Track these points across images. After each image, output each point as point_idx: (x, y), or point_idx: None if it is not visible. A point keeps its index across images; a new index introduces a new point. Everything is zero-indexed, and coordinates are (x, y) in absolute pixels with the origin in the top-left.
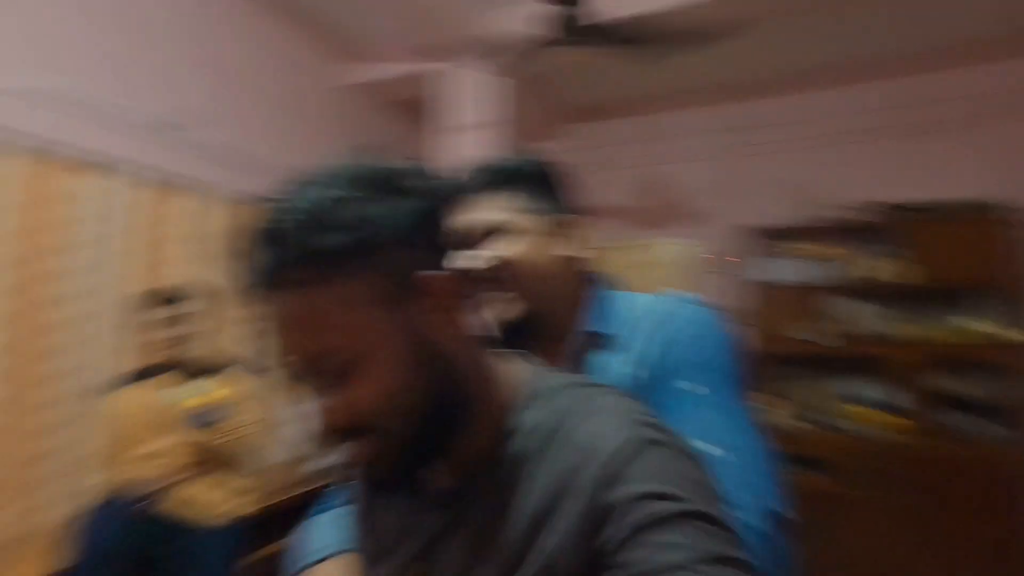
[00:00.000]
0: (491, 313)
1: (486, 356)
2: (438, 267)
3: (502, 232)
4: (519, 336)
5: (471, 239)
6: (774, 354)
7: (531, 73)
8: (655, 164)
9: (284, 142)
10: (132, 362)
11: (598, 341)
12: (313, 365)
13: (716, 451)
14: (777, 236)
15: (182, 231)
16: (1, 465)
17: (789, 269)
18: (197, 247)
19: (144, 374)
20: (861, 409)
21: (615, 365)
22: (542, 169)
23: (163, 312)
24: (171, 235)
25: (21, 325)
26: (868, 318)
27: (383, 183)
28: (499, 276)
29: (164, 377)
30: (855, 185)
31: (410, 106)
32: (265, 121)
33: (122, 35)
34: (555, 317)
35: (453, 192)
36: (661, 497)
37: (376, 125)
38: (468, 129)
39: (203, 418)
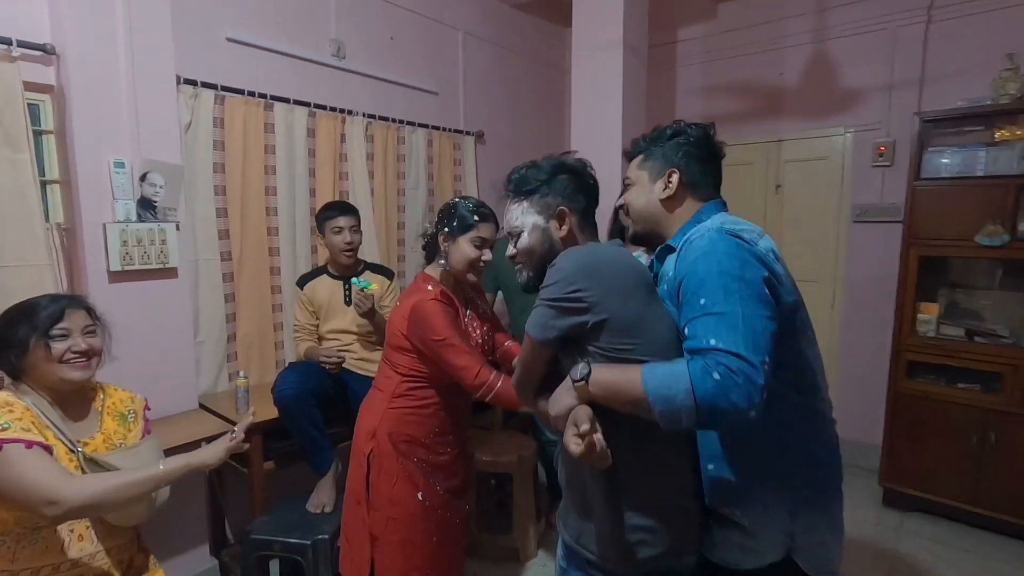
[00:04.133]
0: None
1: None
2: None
3: (628, 184)
4: (639, 241)
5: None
6: (954, 259)
7: None
8: (819, 41)
9: (440, 57)
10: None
11: (671, 249)
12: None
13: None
14: (966, 120)
15: (356, 150)
16: (256, 330)
17: (979, 160)
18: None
19: (323, 270)
20: None
21: (669, 264)
22: (661, 135)
23: (340, 222)
24: (348, 155)
25: (255, 230)
26: None
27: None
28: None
29: (335, 273)
30: None
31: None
32: (420, 39)
33: None
34: (650, 233)
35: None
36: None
37: (526, 26)
38: (610, 18)
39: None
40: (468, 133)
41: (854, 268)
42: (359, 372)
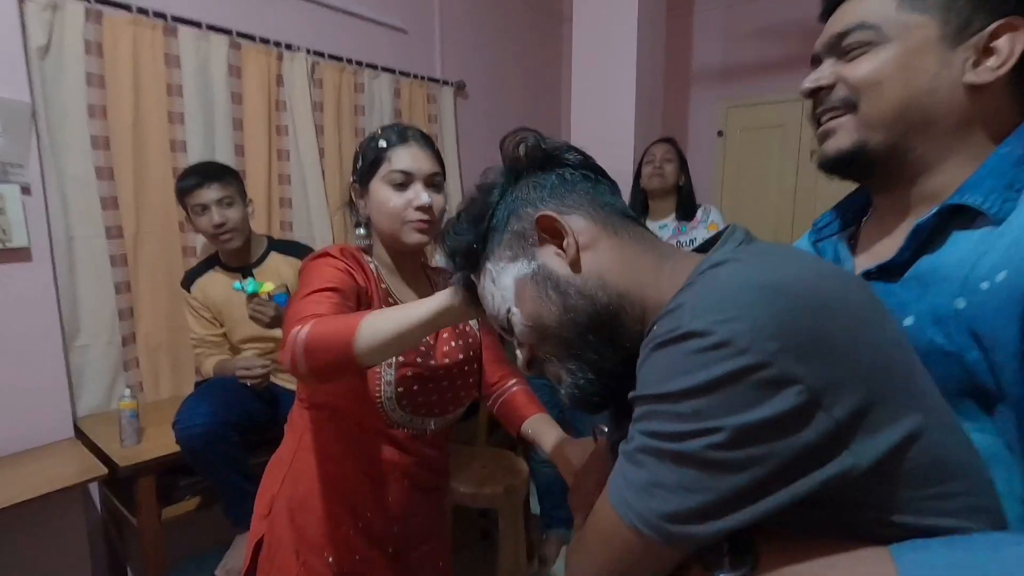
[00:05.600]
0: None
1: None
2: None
3: (856, 45)
4: (849, 176)
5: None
6: None
7: None
8: None
9: None
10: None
11: (962, 218)
12: None
13: None
14: None
15: (299, 97)
16: (163, 328)
17: None
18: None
19: (214, 261)
20: None
21: (968, 248)
22: None
23: (202, 197)
24: (288, 102)
25: (157, 198)
26: None
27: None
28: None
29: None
30: None
31: None
32: None
33: None
34: (888, 155)
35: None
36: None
37: None
38: None
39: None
40: (446, 83)
41: None
42: (290, 387)
